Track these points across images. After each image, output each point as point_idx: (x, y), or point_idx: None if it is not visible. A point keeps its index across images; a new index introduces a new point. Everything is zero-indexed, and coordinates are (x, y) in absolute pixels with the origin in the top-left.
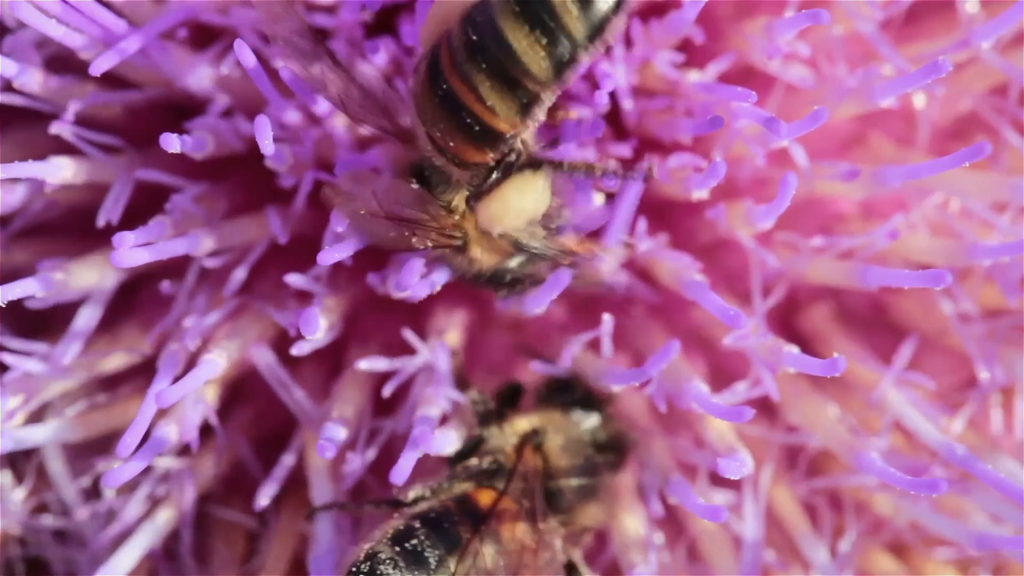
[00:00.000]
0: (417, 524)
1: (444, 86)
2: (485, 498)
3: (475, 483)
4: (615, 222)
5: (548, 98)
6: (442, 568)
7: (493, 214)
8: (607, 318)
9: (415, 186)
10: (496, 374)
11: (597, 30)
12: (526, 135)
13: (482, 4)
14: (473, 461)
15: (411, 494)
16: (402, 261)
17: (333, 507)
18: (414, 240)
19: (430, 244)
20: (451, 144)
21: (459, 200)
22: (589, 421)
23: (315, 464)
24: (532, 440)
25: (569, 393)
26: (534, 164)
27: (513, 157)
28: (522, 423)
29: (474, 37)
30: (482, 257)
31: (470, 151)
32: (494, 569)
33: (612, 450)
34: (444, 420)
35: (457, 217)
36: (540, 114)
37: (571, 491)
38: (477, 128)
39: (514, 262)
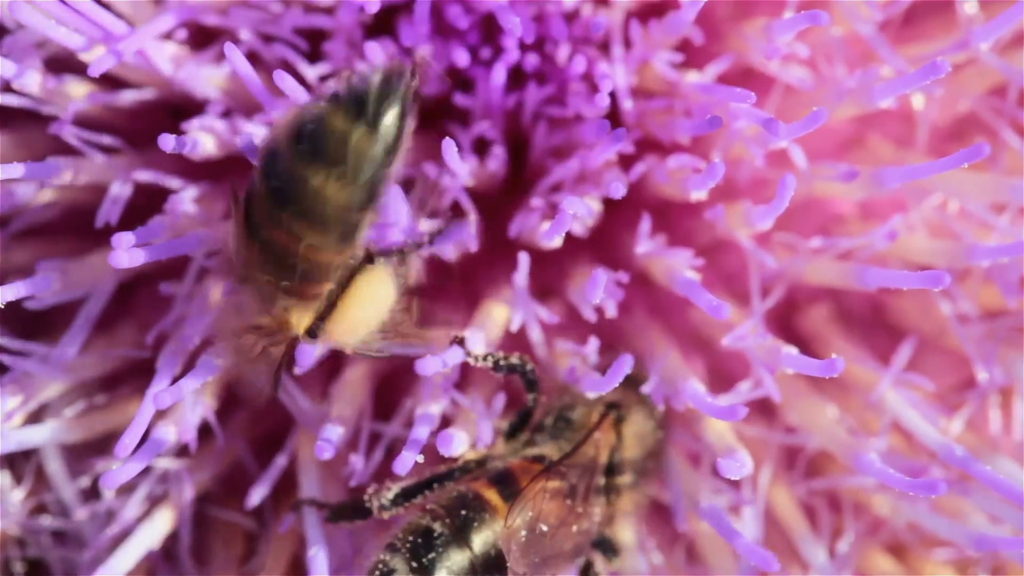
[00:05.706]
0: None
1: (263, 235)
2: (525, 470)
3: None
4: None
5: (370, 219)
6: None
7: (344, 332)
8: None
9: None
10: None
11: (391, 149)
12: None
13: (273, 152)
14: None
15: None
16: None
17: (341, 515)
18: (256, 350)
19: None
20: (285, 284)
21: (295, 318)
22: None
23: (305, 463)
24: (614, 413)
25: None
26: (370, 260)
27: (348, 271)
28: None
29: (275, 184)
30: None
31: (305, 287)
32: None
33: (656, 457)
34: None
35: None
36: (362, 234)
37: (624, 481)
38: (305, 267)
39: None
